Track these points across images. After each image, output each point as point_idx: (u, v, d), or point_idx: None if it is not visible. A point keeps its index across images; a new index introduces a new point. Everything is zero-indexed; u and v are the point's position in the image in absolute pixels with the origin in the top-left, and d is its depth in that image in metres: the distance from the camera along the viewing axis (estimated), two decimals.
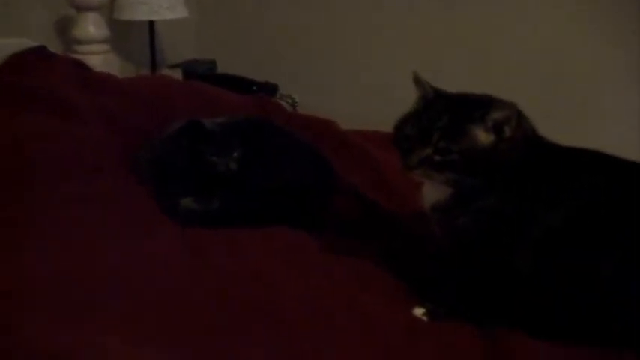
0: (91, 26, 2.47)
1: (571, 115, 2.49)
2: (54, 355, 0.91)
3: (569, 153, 1.21)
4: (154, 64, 2.84)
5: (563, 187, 1.16)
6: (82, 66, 2.06)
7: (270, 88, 2.85)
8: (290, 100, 2.87)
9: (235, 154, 1.46)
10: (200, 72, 2.90)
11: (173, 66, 2.94)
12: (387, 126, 1.28)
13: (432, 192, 1.23)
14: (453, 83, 1.28)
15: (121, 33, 2.72)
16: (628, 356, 1.09)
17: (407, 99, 1.27)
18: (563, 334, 1.12)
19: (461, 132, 1.14)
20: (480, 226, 1.16)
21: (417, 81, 1.24)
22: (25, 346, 0.92)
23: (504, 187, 1.16)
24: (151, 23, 2.76)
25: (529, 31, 2.55)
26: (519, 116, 1.18)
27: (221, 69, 3.06)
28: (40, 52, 2.00)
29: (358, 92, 2.80)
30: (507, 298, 1.17)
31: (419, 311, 1.22)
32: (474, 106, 1.17)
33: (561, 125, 1.23)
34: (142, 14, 2.61)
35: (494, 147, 1.15)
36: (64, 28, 2.59)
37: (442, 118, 1.16)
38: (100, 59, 2.43)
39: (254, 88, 2.76)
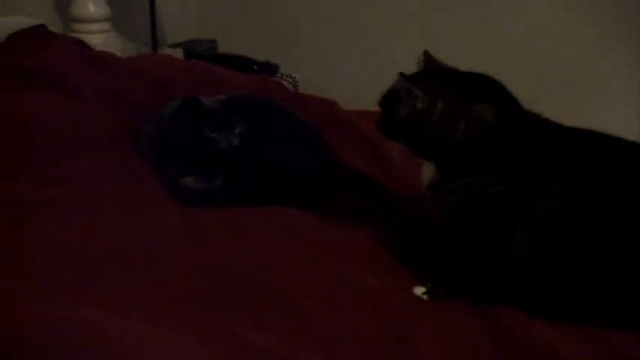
0: (91, 5, 2.45)
1: (568, 108, 2.48)
2: (51, 328, 0.91)
3: (563, 132, 1.21)
4: (154, 44, 2.82)
5: (559, 167, 1.15)
6: (82, 45, 2.06)
7: (271, 68, 2.83)
8: (291, 80, 2.85)
9: (237, 130, 1.45)
10: (201, 51, 2.88)
11: (174, 45, 2.92)
12: None
13: (428, 170, 1.24)
14: (448, 60, 1.28)
15: (121, 12, 2.69)
16: (624, 336, 1.10)
17: None
18: (560, 314, 1.13)
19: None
20: (470, 206, 1.17)
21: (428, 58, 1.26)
22: (23, 320, 0.93)
23: (498, 167, 1.16)
24: (152, 2, 2.73)
25: (527, 24, 2.54)
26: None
27: (222, 49, 3.05)
28: (39, 31, 2.00)
29: (360, 73, 2.79)
30: (504, 277, 1.17)
31: (419, 290, 1.22)
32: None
33: (559, 117, 1.23)
34: None
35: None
36: (63, 6, 2.57)
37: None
38: (100, 38, 2.41)
39: (255, 67, 2.74)
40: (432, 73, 1.25)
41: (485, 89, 1.20)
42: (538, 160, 1.16)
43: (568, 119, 1.21)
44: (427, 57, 1.26)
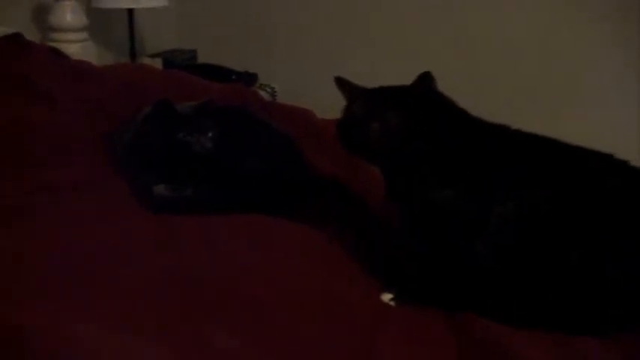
0: (68, 14, 2.45)
1: (564, 107, 2.52)
2: (21, 334, 0.92)
3: (515, 136, 1.23)
4: (133, 54, 2.83)
5: (515, 174, 1.17)
6: (58, 54, 2.06)
7: (250, 78, 2.85)
8: (269, 90, 2.87)
9: (210, 134, 1.45)
10: (180, 61, 2.90)
11: (153, 55, 2.93)
12: None
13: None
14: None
15: (99, 21, 2.70)
16: (591, 342, 1.11)
17: None
18: (527, 320, 1.14)
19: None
20: (416, 211, 1.22)
21: (340, 83, 1.32)
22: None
23: (440, 173, 1.19)
24: (130, 12, 2.74)
25: (523, 24, 2.57)
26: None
27: (202, 59, 3.06)
28: (15, 40, 1.99)
29: None
30: (466, 284, 1.18)
31: (386, 297, 1.23)
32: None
33: (554, 117, 1.25)
34: (120, 2, 2.59)
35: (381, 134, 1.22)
36: (40, 15, 2.57)
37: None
38: (77, 48, 2.41)
39: (233, 77, 2.76)
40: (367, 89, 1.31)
41: (399, 99, 1.25)
42: (491, 164, 1.18)
43: (562, 125, 1.23)
44: (340, 82, 1.32)
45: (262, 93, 2.51)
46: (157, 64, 2.82)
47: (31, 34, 2.32)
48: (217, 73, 2.71)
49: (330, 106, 2.14)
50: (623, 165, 1.18)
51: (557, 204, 1.13)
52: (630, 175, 1.18)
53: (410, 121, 1.22)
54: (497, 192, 1.15)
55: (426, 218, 1.20)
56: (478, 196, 1.16)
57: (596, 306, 1.12)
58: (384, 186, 1.29)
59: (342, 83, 1.31)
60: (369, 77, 1.34)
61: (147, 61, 2.86)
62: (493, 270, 1.15)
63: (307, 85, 2.83)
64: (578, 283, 1.11)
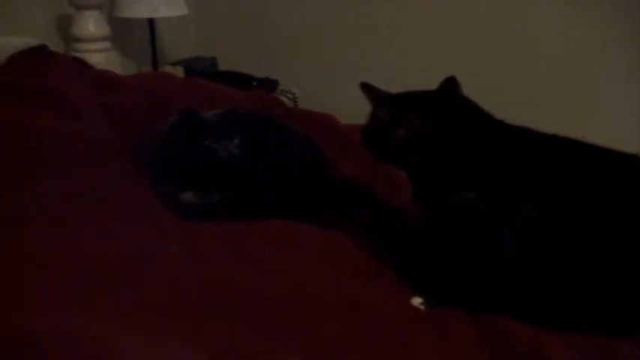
0: (91, 24, 2.48)
1: (570, 111, 2.50)
2: (53, 339, 0.92)
3: (538, 139, 1.23)
4: (155, 62, 2.85)
5: (540, 173, 1.17)
6: (82, 64, 2.09)
7: (271, 84, 2.86)
8: (290, 96, 2.88)
9: (235, 142, 1.47)
10: (201, 69, 2.92)
11: (174, 63, 2.96)
12: None
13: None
14: (448, 74, 1.31)
15: (121, 31, 2.73)
16: (621, 343, 1.10)
17: None
18: (557, 322, 1.14)
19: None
20: (443, 214, 1.22)
21: (366, 88, 1.33)
22: (27, 332, 0.94)
23: (466, 175, 1.19)
24: (151, 21, 2.77)
25: (528, 27, 2.56)
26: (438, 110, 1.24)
27: (222, 66, 3.08)
28: (41, 51, 2.02)
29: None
30: (496, 286, 1.18)
31: (416, 301, 1.24)
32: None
33: (560, 120, 1.24)
34: (141, 12, 2.61)
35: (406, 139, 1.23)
36: (64, 26, 2.60)
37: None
38: (100, 57, 2.43)
39: (254, 84, 2.77)
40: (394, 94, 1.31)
41: (424, 104, 1.26)
42: (515, 167, 1.18)
43: (568, 126, 1.23)
44: (366, 87, 1.33)
45: (283, 99, 2.51)
46: (179, 71, 2.84)
47: (55, 45, 2.36)
48: (238, 79, 2.72)
49: (350, 111, 2.16)
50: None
51: (582, 204, 1.13)
52: None
53: (435, 125, 1.22)
54: (522, 193, 1.15)
55: (451, 221, 1.20)
56: (502, 197, 1.16)
57: (624, 306, 1.11)
58: (411, 189, 1.29)
59: (367, 88, 1.32)
60: (390, 82, 1.35)
61: (168, 69, 2.88)
62: (520, 271, 1.14)
63: (328, 91, 2.84)
64: (605, 284, 1.11)
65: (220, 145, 1.46)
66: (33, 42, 2.05)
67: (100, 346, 0.93)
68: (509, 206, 1.15)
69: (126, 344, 0.95)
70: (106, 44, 2.54)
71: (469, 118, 1.24)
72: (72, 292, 1.06)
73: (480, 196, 1.17)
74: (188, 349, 0.97)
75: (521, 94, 2.55)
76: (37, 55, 1.99)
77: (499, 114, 1.27)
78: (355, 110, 1.39)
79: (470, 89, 1.32)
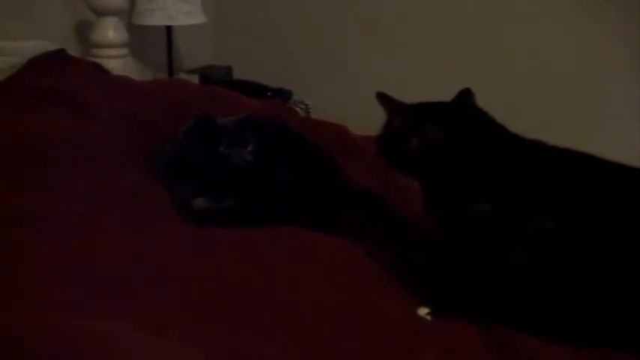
0: (110, 31, 2.51)
1: (572, 115, 2.51)
2: (62, 341, 0.94)
3: (549, 152, 1.23)
4: (171, 69, 2.88)
5: (550, 186, 1.17)
6: (100, 69, 2.12)
7: (285, 94, 2.88)
8: (304, 106, 2.90)
9: (249, 148, 1.48)
10: (216, 77, 2.94)
11: (189, 71, 2.98)
12: None
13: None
14: (460, 86, 1.32)
15: (139, 38, 2.76)
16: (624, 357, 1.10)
17: None
18: (566, 336, 1.13)
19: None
20: (456, 225, 1.22)
21: (382, 98, 1.34)
22: (34, 333, 0.95)
23: (478, 186, 1.20)
24: (169, 29, 2.80)
25: (529, 29, 2.58)
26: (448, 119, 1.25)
27: (237, 75, 3.11)
28: (59, 55, 2.05)
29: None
30: (504, 298, 1.18)
31: (423, 311, 1.24)
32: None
33: (562, 126, 1.25)
34: (159, 20, 2.64)
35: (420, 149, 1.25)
36: (83, 32, 2.64)
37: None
38: (118, 63, 2.46)
39: (268, 94, 2.79)
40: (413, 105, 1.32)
41: (439, 115, 1.27)
42: (528, 179, 1.19)
43: (578, 139, 1.23)
44: (382, 97, 1.34)
45: (297, 109, 2.53)
46: (194, 79, 2.86)
47: (73, 50, 2.39)
48: (253, 89, 2.74)
49: (363, 122, 2.17)
50: None
51: (595, 217, 1.13)
52: None
53: (449, 136, 1.23)
54: (535, 205, 1.15)
55: (463, 231, 1.20)
56: (515, 209, 1.16)
57: (636, 322, 1.11)
58: (422, 199, 1.30)
59: (383, 98, 1.33)
60: (404, 93, 1.36)
61: (183, 76, 2.91)
62: (531, 283, 1.14)
63: (341, 102, 2.85)
64: (616, 297, 1.10)
65: (234, 151, 1.47)
66: (51, 46, 2.09)
67: (104, 346, 0.94)
68: (523, 219, 1.15)
69: (130, 345, 0.96)
70: (124, 51, 2.57)
71: (483, 130, 1.25)
72: (80, 293, 1.07)
73: (494, 209, 1.17)
74: (196, 353, 0.98)
75: (530, 105, 2.56)
76: (55, 59, 2.02)
77: (509, 126, 1.28)
78: (368, 121, 1.40)
79: (484, 100, 1.33)
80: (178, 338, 1.00)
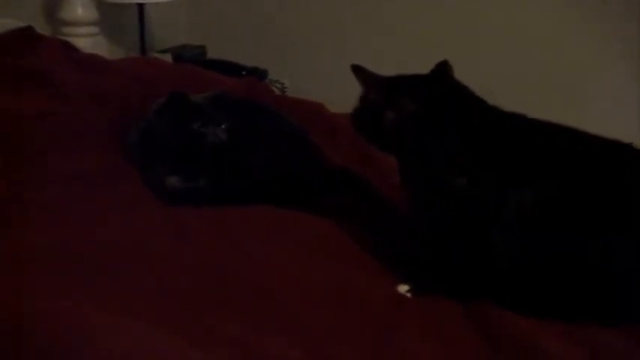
0: (79, 8, 2.46)
1: (568, 104, 2.51)
2: (40, 318, 0.93)
3: (531, 124, 1.22)
4: (143, 49, 2.82)
5: (531, 162, 1.16)
6: (69, 47, 2.06)
7: (260, 74, 2.85)
8: (279, 86, 2.87)
9: (224, 126, 1.45)
10: (189, 57, 2.90)
11: (163, 51, 2.93)
12: None
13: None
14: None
15: (109, 16, 2.70)
16: (608, 332, 1.10)
17: None
18: (545, 310, 1.14)
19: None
20: (434, 199, 1.21)
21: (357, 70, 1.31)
22: (13, 313, 0.94)
23: (458, 161, 1.18)
24: (141, 6, 2.74)
25: (525, 20, 2.56)
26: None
27: (211, 54, 3.06)
28: (27, 33, 2.00)
29: (348, 77, 2.80)
30: (486, 273, 1.17)
31: (403, 288, 1.23)
32: None
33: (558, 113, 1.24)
34: None
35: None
36: (51, 9, 2.57)
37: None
38: (88, 42, 2.41)
39: (243, 73, 2.75)
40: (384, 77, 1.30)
41: (415, 87, 1.25)
42: (505, 153, 1.17)
43: (568, 112, 1.23)
44: (357, 69, 1.31)
45: (272, 89, 2.50)
46: (167, 59, 2.81)
47: (42, 28, 2.33)
48: (228, 68, 2.70)
49: (339, 101, 2.16)
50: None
51: (574, 191, 1.12)
52: None
53: (426, 109, 1.21)
54: (514, 180, 1.14)
55: (440, 206, 1.19)
56: (494, 183, 1.15)
57: (614, 295, 1.11)
58: (399, 175, 1.28)
59: (358, 71, 1.30)
60: (380, 71, 1.33)
61: (156, 56, 2.85)
62: (509, 257, 1.13)
63: (317, 81, 2.82)
64: (595, 271, 1.10)
65: (208, 129, 1.44)
66: (19, 24, 2.03)
67: (79, 331, 0.92)
68: (501, 194, 1.14)
69: (107, 328, 0.94)
70: (94, 29, 2.52)
71: (461, 103, 1.24)
72: (56, 276, 1.06)
73: (471, 183, 1.16)
74: (171, 334, 0.96)
75: (523, 91, 2.55)
76: (23, 36, 1.97)
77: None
78: (344, 100, 1.38)
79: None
80: (150, 321, 0.98)
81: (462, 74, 1.30)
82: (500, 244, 1.13)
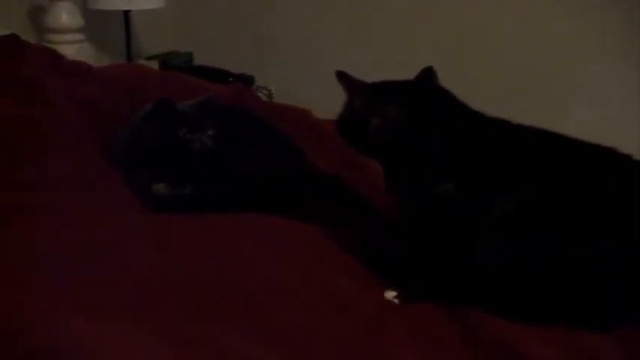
0: (64, 15, 2.45)
1: (553, 110, 2.52)
2: (17, 323, 0.92)
3: (514, 130, 1.22)
4: (129, 56, 2.82)
5: (515, 167, 1.16)
6: (54, 54, 2.05)
7: (247, 80, 2.85)
8: (266, 92, 2.88)
9: (210, 133, 1.44)
10: (177, 64, 2.90)
11: (150, 58, 2.93)
12: None
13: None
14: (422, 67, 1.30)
15: (95, 23, 2.69)
16: (594, 337, 1.11)
17: None
18: (530, 315, 1.14)
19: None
20: (418, 206, 1.21)
21: (341, 77, 1.31)
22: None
23: (441, 166, 1.18)
24: (126, 13, 2.73)
25: (520, 20, 2.58)
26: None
27: (198, 61, 3.06)
28: (11, 41, 1.98)
29: (335, 84, 2.80)
30: (471, 279, 1.17)
31: (390, 294, 1.22)
32: None
33: (547, 109, 1.25)
34: (116, 4, 2.58)
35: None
36: (36, 17, 2.56)
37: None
38: (73, 49, 2.40)
39: (230, 79, 2.76)
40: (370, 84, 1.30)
41: (400, 93, 1.26)
42: (489, 158, 1.18)
43: (553, 122, 1.23)
44: (341, 76, 1.31)
45: (259, 95, 2.50)
46: (154, 66, 2.81)
47: (28, 36, 2.31)
48: (215, 75, 2.71)
49: (326, 107, 2.16)
50: (626, 159, 1.18)
51: (558, 196, 1.12)
52: (632, 168, 1.17)
53: (410, 115, 1.21)
54: (497, 185, 1.14)
55: (426, 212, 1.19)
56: (478, 189, 1.15)
57: (599, 298, 1.11)
58: (384, 179, 1.28)
59: (343, 77, 1.30)
60: (366, 78, 1.34)
61: (143, 63, 2.85)
62: (493, 262, 1.13)
63: (304, 87, 2.83)
64: (579, 275, 1.10)
65: (194, 135, 1.44)
66: (3, 32, 2.01)
67: (61, 337, 0.91)
68: (486, 200, 1.14)
69: (92, 332, 0.93)
70: (79, 36, 2.52)
71: (445, 108, 1.24)
72: (28, 284, 1.04)
73: (457, 188, 1.16)
74: (154, 339, 0.95)
75: (513, 91, 2.57)
76: (8, 44, 1.95)
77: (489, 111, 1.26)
78: (331, 106, 1.38)
79: (462, 87, 1.31)
80: (136, 328, 0.97)
81: (447, 78, 1.30)
82: (485, 249, 1.13)
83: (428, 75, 1.25)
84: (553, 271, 1.11)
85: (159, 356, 0.93)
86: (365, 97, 1.26)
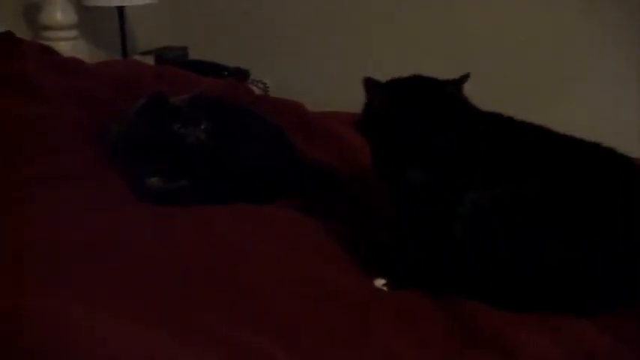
0: (59, 12, 2.45)
1: (558, 102, 2.54)
2: (18, 316, 0.93)
3: (498, 122, 1.25)
4: (124, 52, 2.82)
5: (497, 161, 1.19)
6: (50, 51, 2.06)
7: (242, 74, 2.86)
8: (262, 85, 2.88)
9: (203, 127, 1.46)
10: (172, 58, 2.90)
11: (145, 53, 2.94)
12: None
13: None
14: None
15: (90, 19, 2.70)
16: (581, 323, 1.13)
17: None
18: (519, 303, 1.16)
19: None
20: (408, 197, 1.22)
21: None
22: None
23: (431, 159, 1.20)
24: (120, 9, 2.74)
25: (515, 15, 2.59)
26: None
27: (193, 56, 3.07)
28: (6, 38, 1.99)
29: (330, 78, 2.82)
30: (453, 267, 1.20)
31: (379, 282, 1.24)
32: None
33: (547, 112, 1.27)
34: (110, 0, 2.59)
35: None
36: (30, 14, 2.57)
37: None
38: (68, 45, 2.41)
39: (225, 73, 2.76)
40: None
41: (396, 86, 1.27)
42: (474, 152, 1.19)
43: (540, 117, 1.25)
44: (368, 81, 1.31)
45: (254, 88, 2.52)
46: (149, 61, 2.82)
47: (22, 33, 2.32)
48: (209, 69, 2.71)
49: (321, 101, 2.18)
50: (611, 153, 1.20)
51: (548, 192, 1.15)
52: (617, 162, 1.19)
53: (395, 102, 1.23)
54: (475, 178, 1.16)
55: (406, 200, 1.21)
56: (455, 180, 1.17)
57: (581, 285, 1.14)
58: (372, 168, 1.30)
59: (368, 83, 1.29)
60: (361, 72, 1.35)
61: (138, 58, 2.86)
62: (470, 253, 1.16)
63: (299, 80, 2.85)
64: (560, 266, 1.13)
65: (188, 130, 1.46)
66: None
67: (61, 327, 0.93)
68: (460, 190, 1.16)
69: (92, 326, 0.95)
70: (74, 33, 2.52)
71: (433, 98, 1.25)
72: (29, 277, 1.06)
73: (426, 176, 1.18)
74: (155, 328, 0.97)
75: (511, 90, 2.57)
76: (2, 41, 1.96)
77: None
78: (326, 99, 1.39)
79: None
80: (133, 318, 0.99)
81: (446, 75, 1.32)
82: (459, 239, 1.16)
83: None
84: (531, 261, 1.14)
85: (160, 344, 0.95)
86: (384, 96, 1.26)
